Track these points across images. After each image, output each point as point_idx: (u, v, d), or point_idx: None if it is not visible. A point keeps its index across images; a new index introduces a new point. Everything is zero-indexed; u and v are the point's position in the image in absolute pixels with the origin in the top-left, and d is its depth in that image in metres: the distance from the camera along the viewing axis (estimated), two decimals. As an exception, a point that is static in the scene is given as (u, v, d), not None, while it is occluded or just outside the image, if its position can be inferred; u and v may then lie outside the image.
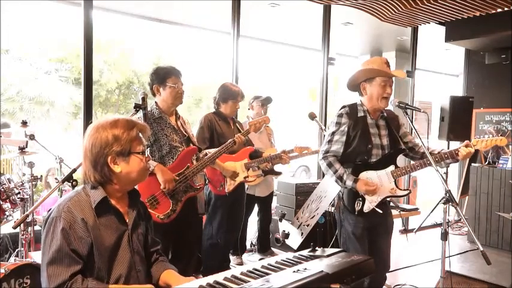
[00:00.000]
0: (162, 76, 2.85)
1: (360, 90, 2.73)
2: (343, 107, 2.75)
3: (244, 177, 3.64)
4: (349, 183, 2.59)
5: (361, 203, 2.63)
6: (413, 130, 2.65)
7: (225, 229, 3.70)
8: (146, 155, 1.69)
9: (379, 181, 2.64)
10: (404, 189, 2.69)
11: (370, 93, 2.67)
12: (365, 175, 2.65)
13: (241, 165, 3.64)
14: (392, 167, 2.66)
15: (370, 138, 2.67)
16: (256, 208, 4.47)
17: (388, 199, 2.76)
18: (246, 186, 4.10)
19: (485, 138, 2.49)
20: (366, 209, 2.63)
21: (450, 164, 2.68)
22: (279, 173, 4.30)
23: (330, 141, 2.69)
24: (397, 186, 2.65)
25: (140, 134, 1.66)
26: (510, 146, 5.48)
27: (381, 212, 2.65)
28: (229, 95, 3.68)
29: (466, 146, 2.51)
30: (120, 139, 1.60)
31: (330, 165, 2.65)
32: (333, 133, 2.69)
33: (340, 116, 2.70)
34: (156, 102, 2.90)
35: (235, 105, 3.70)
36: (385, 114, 2.78)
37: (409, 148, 2.79)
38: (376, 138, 2.69)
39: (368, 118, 2.70)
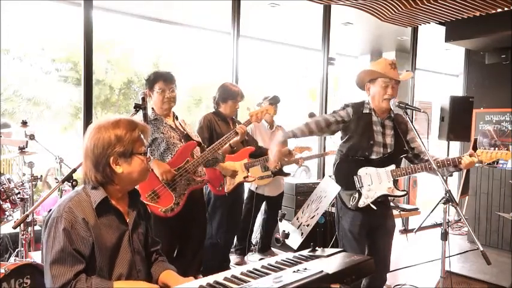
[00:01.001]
0: (151, 81, 2.92)
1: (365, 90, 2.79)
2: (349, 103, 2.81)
3: (244, 177, 3.64)
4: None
5: (356, 198, 2.65)
6: (413, 130, 2.66)
7: (225, 229, 3.70)
8: (148, 156, 1.70)
9: (377, 178, 2.65)
10: (402, 190, 2.71)
11: (373, 93, 2.72)
12: (364, 171, 2.66)
13: (241, 165, 3.64)
14: (393, 167, 2.67)
15: (372, 134, 2.68)
16: (262, 208, 4.47)
17: (390, 202, 2.76)
18: (255, 185, 4.11)
19: (491, 151, 2.49)
20: (361, 204, 2.64)
21: (453, 172, 2.66)
22: (287, 174, 4.30)
23: (329, 113, 2.77)
24: (395, 186, 2.66)
25: (142, 135, 1.67)
26: (510, 146, 5.47)
27: (375, 208, 2.64)
28: (228, 94, 3.68)
29: (470, 155, 2.50)
30: (123, 140, 1.59)
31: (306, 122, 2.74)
32: (334, 112, 2.75)
33: (346, 105, 2.76)
34: (152, 107, 2.97)
35: (235, 105, 3.71)
36: (392, 115, 2.78)
37: (414, 155, 2.78)
38: (378, 136, 2.70)
39: (373, 116, 2.72)
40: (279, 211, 4.46)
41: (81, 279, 1.49)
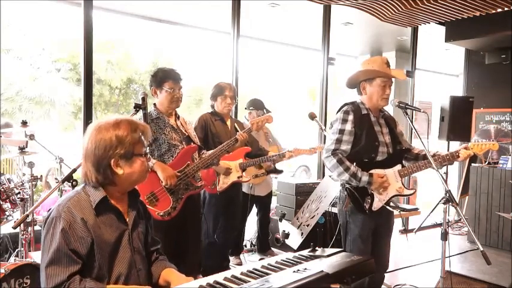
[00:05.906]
0: (159, 79, 2.87)
1: (359, 89, 2.74)
2: (345, 104, 2.75)
3: (238, 177, 3.63)
4: (365, 178, 2.56)
5: (369, 201, 2.62)
6: (413, 130, 2.66)
7: (223, 228, 3.70)
8: (148, 156, 1.70)
9: (387, 180, 2.64)
10: (410, 189, 2.71)
11: (370, 93, 2.70)
12: (373, 172, 2.64)
13: (236, 165, 3.63)
14: (399, 166, 2.67)
15: (376, 135, 2.68)
16: (255, 208, 4.47)
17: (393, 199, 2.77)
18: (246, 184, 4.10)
19: (481, 142, 2.61)
20: (376, 207, 2.62)
21: (449, 164, 2.76)
22: (280, 171, 4.30)
23: (338, 141, 2.63)
24: (403, 186, 2.66)
25: (142, 136, 1.66)
26: (510, 146, 5.48)
27: (391, 210, 2.66)
28: (217, 91, 3.69)
29: (465, 148, 2.61)
30: (124, 141, 1.59)
31: (340, 162, 2.57)
32: (342, 132, 2.64)
33: (346, 112, 2.67)
34: (154, 103, 2.93)
35: (225, 101, 3.65)
36: (385, 113, 2.80)
37: (406, 149, 2.82)
38: (380, 136, 2.70)
39: (371, 116, 2.71)
40: (271, 211, 4.49)
41: (74, 280, 1.49)
